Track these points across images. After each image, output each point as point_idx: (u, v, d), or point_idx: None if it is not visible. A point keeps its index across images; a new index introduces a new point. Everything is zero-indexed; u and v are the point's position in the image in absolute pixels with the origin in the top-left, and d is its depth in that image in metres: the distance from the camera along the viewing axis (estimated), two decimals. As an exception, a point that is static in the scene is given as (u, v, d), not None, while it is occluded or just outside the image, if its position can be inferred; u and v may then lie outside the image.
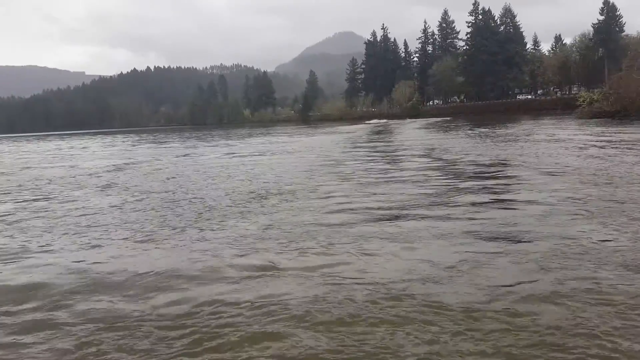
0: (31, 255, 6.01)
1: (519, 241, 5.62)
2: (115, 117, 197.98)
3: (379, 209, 7.87)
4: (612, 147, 15.70)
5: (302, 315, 3.83)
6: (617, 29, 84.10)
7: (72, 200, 10.34)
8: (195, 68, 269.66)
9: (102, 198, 10.59)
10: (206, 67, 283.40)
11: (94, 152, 31.07)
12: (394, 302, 4.00)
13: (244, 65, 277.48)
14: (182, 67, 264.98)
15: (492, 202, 8.16)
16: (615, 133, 22.31)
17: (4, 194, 12.13)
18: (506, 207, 7.66)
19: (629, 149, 15.07)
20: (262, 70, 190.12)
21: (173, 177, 14.05)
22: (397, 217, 7.18)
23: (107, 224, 7.69)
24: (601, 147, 15.87)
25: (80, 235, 6.98)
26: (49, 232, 7.25)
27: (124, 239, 6.67)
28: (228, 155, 22.40)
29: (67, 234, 7.11)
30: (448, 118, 68.34)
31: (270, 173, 13.70)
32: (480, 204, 7.99)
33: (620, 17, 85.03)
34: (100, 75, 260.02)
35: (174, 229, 7.11)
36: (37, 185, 13.53)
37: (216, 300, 4.22)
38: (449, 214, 7.23)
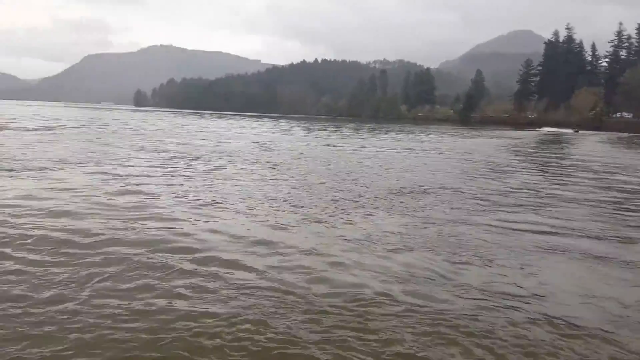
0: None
1: None
2: (282, 103, 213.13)
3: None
4: None
5: None
6: None
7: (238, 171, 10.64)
8: (359, 62, 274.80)
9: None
10: (369, 61, 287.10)
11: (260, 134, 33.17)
12: None
13: (407, 61, 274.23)
14: (347, 60, 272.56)
15: None
16: None
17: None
18: None
19: None
20: (425, 67, 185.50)
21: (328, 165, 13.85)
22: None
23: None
24: None
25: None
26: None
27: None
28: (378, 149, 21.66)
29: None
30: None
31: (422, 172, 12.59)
32: None
33: None
34: (273, 65, 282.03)
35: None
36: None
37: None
38: None
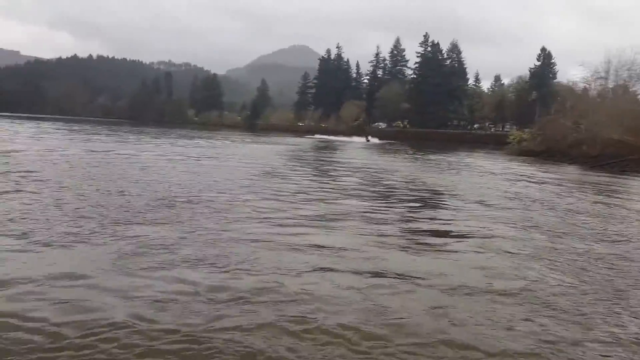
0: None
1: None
2: (48, 102, 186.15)
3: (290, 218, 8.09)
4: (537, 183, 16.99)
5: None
6: (551, 75, 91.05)
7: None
8: (142, 62, 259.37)
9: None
10: (153, 62, 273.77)
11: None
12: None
13: (195, 65, 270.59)
14: (128, 58, 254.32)
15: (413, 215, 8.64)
16: (536, 170, 24.13)
17: None
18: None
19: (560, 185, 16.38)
20: (212, 72, 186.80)
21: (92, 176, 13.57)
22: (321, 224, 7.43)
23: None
24: (519, 182, 17.13)
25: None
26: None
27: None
28: (152, 154, 21.43)
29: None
30: (392, 141, 70.28)
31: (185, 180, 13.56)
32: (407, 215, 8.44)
33: (554, 64, 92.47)
34: (36, 57, 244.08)
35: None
36: None
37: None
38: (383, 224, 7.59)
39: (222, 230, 7.02)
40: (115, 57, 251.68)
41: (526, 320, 4.32)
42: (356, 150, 38.33)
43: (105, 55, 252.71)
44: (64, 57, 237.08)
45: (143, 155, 19.64)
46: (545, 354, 3.70)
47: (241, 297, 4.46)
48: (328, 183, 14.15)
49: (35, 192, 9.20)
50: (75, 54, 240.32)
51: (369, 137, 66.95)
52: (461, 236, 7.72)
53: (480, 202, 11.60)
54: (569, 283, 5.48)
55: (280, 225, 7.64)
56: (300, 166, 20.13)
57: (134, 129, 56.42)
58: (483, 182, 16.79)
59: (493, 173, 21.30)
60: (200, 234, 6.77)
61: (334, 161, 25.10)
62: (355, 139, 67.34)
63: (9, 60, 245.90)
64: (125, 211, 8.01)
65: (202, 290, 4.60)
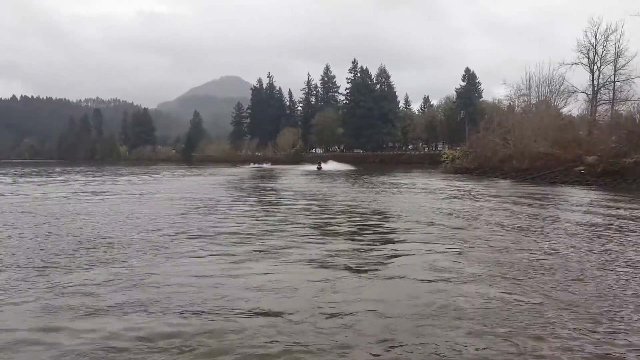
0: None
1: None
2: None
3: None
4: (468, 197, 17.48)
5: None
6: (477, 94, 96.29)
7: None
8: (68, 100, 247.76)
9: None
10: (81, 100, 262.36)
11: None
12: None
13: (123, 101, 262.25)
14: (53, 97, 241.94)
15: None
16: (467, 185, 25.02)
17: None
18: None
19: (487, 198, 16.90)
20: (143, 107, 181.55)
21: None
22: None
23: None
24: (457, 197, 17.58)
25: None
26: None
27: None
28: (74, 194, 19.97)
29: None
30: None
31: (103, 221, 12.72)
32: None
33: (479, 84, 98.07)
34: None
35: None
36: None
37: None
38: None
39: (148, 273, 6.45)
40: (40, 97, 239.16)
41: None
42: (297, 178, 38.07)
43: (29, 95, 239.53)
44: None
45: (60, 195, 18.29)
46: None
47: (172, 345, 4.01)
48: (270, 212, 13.76)
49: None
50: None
51: (321, 164, 57.30)
52: (406, 256, 7.61)
53: (421, 222, 11.67)
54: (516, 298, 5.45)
55: (214, 262, 7.17)
56: (237, 198, 19.55)
57: (63, 170, 53.03)
58: (422, 202, 17.07)
59: (431, 192, 21.83)
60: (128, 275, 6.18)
61: (274, 190, 24.71)
62: (294, 166, 67.08)
63: None
64: (52, 254, 7.44)
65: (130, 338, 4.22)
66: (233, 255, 7.69)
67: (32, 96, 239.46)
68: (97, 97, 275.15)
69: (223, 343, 4.19)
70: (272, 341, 4.22)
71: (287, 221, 11.77)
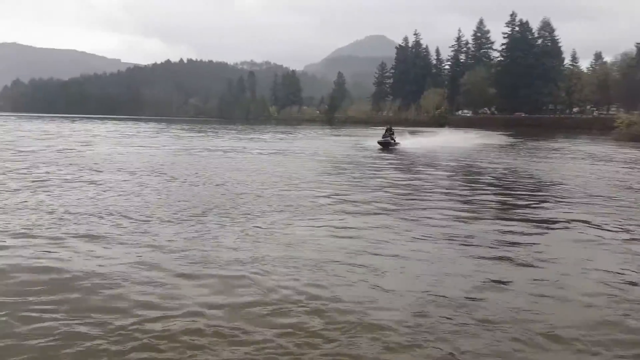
0: None
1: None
2: (146, 105, 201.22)
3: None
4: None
5: None
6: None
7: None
8: (226, 63, 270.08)
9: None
10: (237, 63, 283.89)
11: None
12: None
13: (274, 63, 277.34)
14: (214, 60, 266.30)
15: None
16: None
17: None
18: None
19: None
20: (291, 69, 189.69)
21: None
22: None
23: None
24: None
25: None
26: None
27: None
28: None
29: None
30: (477, 130, 65.58)
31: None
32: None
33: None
34: (135, 64, 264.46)
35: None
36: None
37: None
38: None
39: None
40: (203, 60, 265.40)
41: None
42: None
43: (193, 58, 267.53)
44: (158, 62, 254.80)
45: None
46: None
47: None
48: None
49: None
50: (168, 59, 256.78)
51: (394, 138, 28.79)
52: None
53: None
54: None
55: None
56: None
57: (230, 127, 58.88)
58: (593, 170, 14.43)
59: (601, 160, 18.52)
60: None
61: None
62: (438, 129, 63.50)
63: (113, 67, 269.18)
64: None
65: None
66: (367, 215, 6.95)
67: (196, 59, 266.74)
68: (251, 60, 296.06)
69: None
70: None
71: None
